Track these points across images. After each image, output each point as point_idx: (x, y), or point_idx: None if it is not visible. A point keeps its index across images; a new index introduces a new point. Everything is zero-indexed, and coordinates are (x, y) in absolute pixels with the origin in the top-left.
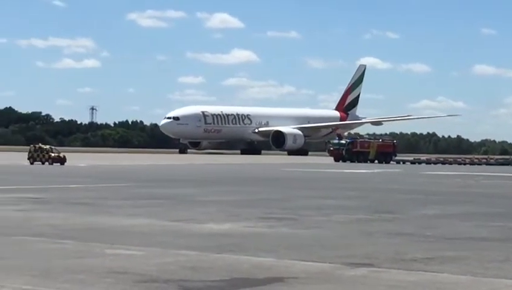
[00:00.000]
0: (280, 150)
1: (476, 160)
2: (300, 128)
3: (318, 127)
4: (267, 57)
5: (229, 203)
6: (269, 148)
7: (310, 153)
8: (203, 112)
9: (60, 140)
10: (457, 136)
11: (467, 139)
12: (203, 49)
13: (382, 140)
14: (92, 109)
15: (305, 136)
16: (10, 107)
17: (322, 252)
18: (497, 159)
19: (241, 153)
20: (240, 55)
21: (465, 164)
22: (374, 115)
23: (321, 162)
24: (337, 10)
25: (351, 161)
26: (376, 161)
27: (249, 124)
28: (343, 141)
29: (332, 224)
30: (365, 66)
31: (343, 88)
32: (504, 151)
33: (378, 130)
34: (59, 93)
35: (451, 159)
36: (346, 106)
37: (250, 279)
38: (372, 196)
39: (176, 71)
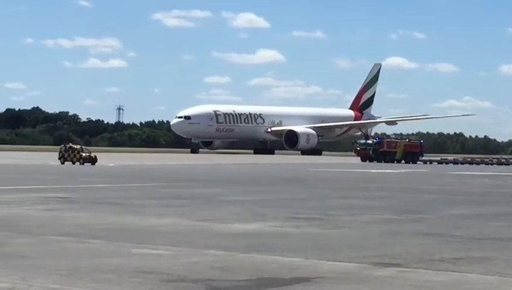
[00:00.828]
0: (293, 150)
1: (503, 160)
2: (313, 128)
3: (332, 126)
4: (293, 56)
5: (256, 203)
6: (282, 148)
7: (337, 153)
8: (214, 111)
9: (87, 140)
10: (485, 136)
11: (494, 139)
12: (228, 49)
13: (409, 140)
14: (119, 108)
15: (318, 135)
16: (37, 107)
17: (350, 252)
18: None
19: (254, 153)
20: (266, 55)
21: (492, 164)
22: (399, 115)
23: (348, 162)
24: (363, 10)
25: (378, 161)
26: (403, 161)
27: (262, 124)
28: (370, 141)
29: (360, 224)
30: (380, 64)
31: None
32: None
33: (405, 130)
34: (86, 93)
35: (479, 159)
36: (361, 105)
37: (278, 279)
38: (400, 196)
39: (202, 71)
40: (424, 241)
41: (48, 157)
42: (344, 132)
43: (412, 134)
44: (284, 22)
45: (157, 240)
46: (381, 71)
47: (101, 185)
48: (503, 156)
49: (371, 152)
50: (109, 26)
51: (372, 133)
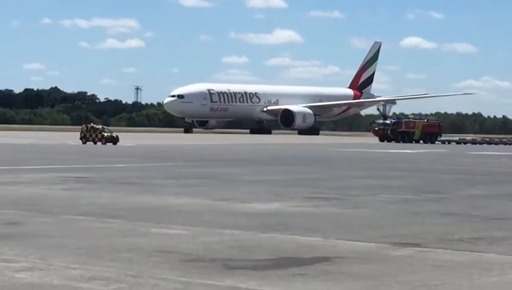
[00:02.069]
0: (289, 129)
1: None
2: (310, 107)
3: (329, 105)
4: (310, 37)
5: (275, 183)
6: (278, 128)
7: (355, 133)
8: (208, 90)
9: (105, 120)
10: (503, 116)
11: None
12: (246, 29)
13: (427, 120)
14: (137, 88)
15: (315, 115)
16: (56, 87)
17: (369, 232)
18: None
19: (251, 133)
20: (283, 35)
21: (510, 144)
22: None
23: (366, 142)
24: None
25: (396, 141)
26: (421, 141)
27: (258, 103)
28: (388, 121)
29: (379, 204)
30: (380, 43)
31: (388, 68)
32: None
33: (423, 110)
34: (103, 73)
35: (497, 140)
36: (361, 84)
37: (297, 258)
38: (418, 176)
39: (219, 51)
40: (443, 221)
41: (66, 138)
42: (343, 111)
43: (431, 114)
44: (301, 1)
45: (176, 220)
46: (397, 51)
47: (119, 165)
48: None
49: (389, 132)
50: (126, 7)
51: (391, 114)
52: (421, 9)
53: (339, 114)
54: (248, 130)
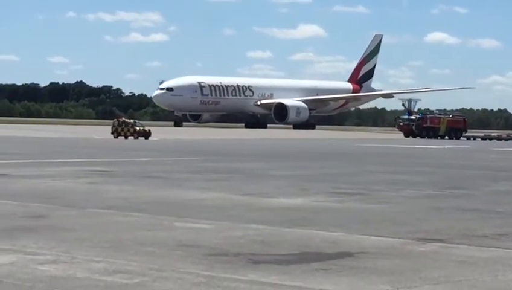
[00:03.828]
0: (283, 124)
1: None
2: (305, 101)
3: (325, 99)
4: (335, 32)
5: (299, 178)
6: (272, 122)
7: (377, 128)
8: (199, 83)
9: (130, 114)
10: None
11: None
12: (270, 23)
13: (452, 116)
14: (161, 83)
15: (310, 109)
16: (81, 81)
17: (392, 228)
18: None
19: (246, 127)
20: (307, 30)
21: None
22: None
23: (391, 138)
24: None
25: (421, 137)
26: (446, 137)
27: (251, 96)
28: (413, 117)
29: (403, 199)
30: (382, 35)
31: (412, 63)
32: None
33: (448, 106)
34: (128, 67)
35: None
36: (360, 77)
37: (320, 253)
38: (443, 171)
39: (244, 46)
40: (467, 217)
41: (91, 131)
42: (341, 106)
43: (456, 110)
44: None
45: (200, 214)
46: (422, 46)
47: (143, 159)
48: None
49: (414, 128)
50: (150, 0)
51: (416, 109)
52: (445, 5)
53: (337, 108)
54: (242, 125)
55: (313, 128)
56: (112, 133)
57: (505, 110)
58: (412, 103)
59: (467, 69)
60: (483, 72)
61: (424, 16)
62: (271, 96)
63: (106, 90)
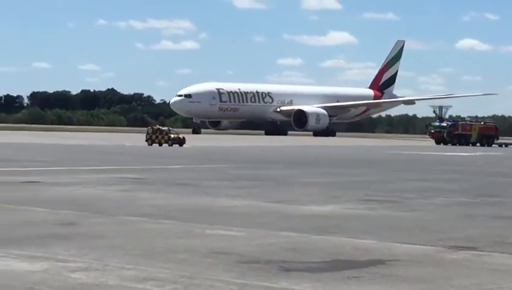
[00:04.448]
0: (302, 131)
1: None
2: (325, 108)
3: (345, 106)
4: (365, 38)
5: (329, 185)
6: (292, 129)
7: (409, 135)
8: (218, 89)
9: (161, 121)
10: None
11: None
12: (300, 30)
13: (484, 123)
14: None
15: (330, 116)
16: (112, 88)
17: (424, 235)
18: None
19: (266, 134)
20: (337, 37)
21: None
22: (472, 98)
23: (422, 145)
24: None
25: (452, 144)
26: (478, 144)
27: (270, 103)
28: (444, 124)
29: (434, 207)
30: (404, 41)
31: (443, 70)
32: None
33: (480, 113)
34: (159, 74)
35: None
36: (382, 84)
37: (352, 261)
38: (474, 179)
39: (274, 53)
40: (499, 225)
41: (122, 139)
42: (362, 112)
43: (487, 117)
44: (355, 3)
45: (231, 221)
46: (453, 53)
47: (175, 166)
48: None
49: (445, 135)
50: (181, 8)
51: (447, 116)
52: (476, 12)
53: (358, 115)
54: (262, 132)
55: (334, 135)
56: (146, 140)
57: None
58: (443, 109)
59: (498, 76)
60: None
61: (455, 23)
62: (291, 103)
63: (137, 98)
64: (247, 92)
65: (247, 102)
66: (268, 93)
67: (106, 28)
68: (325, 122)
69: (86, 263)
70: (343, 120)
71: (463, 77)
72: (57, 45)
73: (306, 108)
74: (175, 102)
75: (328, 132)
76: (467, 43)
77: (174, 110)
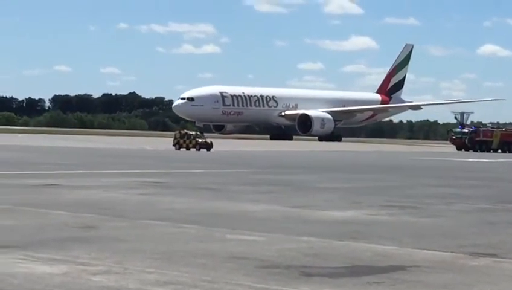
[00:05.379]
0: (307, 135)
1: None
2: (330, 112)
3: (351, 110)
4: (386, 43)
5: (350, 190)
6: (296, 133)
7: (430, 141)
8: (221, 93)
9: (182, 125)
10: None
11: None
12: (321, 35)
13: (505, 129)
14: None
15: (336, 120)
16: (134, 92)
17: (444, 241)
18: None
19: (271, 138)
20: (358, 41)
21: None
22: (495, 103)
23: (444, 151)
24: None
25: (474, 150)
26: (499, 151)
27: (275, 107)
28: (465, 130)
29: (455, 213)
30: (412, 45)
31: (465, 76)
32: None
33: (502, 119)
34: (180, 78)
35: None
36: (390, 88)
37: (372, 266)
38: (496, 185)
39: (295, 57)
40: None
41: (144, 143)
42: (370, 117)
43: (509, 123)
44: (377, 8)
45: (252, 226)
46: (474, 58)
47: (196, 171)
48: None
49: (466, 141)
50: (202, 12)
51: (468, 122)
52: (498, 17)
53: (365, 120)
54: (267, 136)
55: (339, 140)
56: (174, 145)
57: None
58: (465, 115)
59: None
60: None
61: (476, 28)
62: (296, 107)
63: (159, 102)
64: (251, 96)
65: (251, 106)
66: (272, 97)
67: (127, 32)
68: (330, 126)
69: (106, 266)
70: (350, 125)
71: (484, 83)
72: (78, 48)
73: (310, 112)
74: (177, 105)
75: (333, 136)
76: (488, 48)
77: (177, 114)
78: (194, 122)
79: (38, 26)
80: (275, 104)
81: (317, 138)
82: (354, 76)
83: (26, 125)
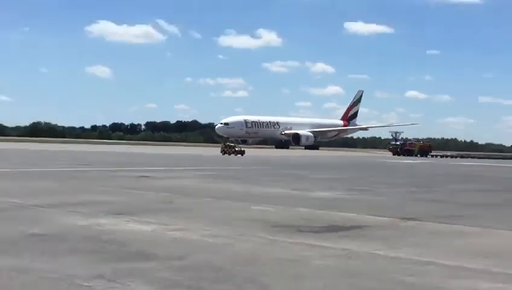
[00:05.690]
0: (298, 146)
1: (483, 155)
2: (312, 132)
3: (324, 131)
4: (349, 90)
5: (327, 180)
6: (291, 145)
7: (376, 150)
8: (245, 120)
9: (225, 139)
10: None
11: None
12: (310, 85)
13: (422, 142)
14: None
15: (315, 136)
16: (195, 120)
17: (385, 211)
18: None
19: (276, 148)
20: (332, 89)
21: (478, 158)
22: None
23: (384, 155)
24: None
25: (403, 155)
26: (418, 155)
27: (278, 128)
28: (398, 143)
29: (393, 193)
30: (363, 91)
31: (397, 110)
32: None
33: (420, 136)
34: (223, 111)
35: (466, 154)
36: (349, 117)
37: (341, 226)
38: (417, 176)
39: (293, 99)
40: (434, 205)
41: (201, 151)
42: (336, 135)
43: (425, 138)
44: (344, 68)
45: (267, 201)
46: (402, 99)
47: (234, 168)
48: (487, 153)
49: (398, 149)
50: (237, 71)
51: (400, 137)
52: (419, 74)
53: (333, 136)
54: (273, 146)
55: (318, 149)
56: (221, 152)
57: (455, 139)
58: (397, 134)
59: (431, 114)
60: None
61: (404, 81)
62: (291, 129)
63: (212, 125)
64: (264, 122)
65: (263, 128)
66: (277, 122)
67: (192, 83)
68: (311, 140)
69: (178, 225)
70: (324, 139)
71: (409, 114)
72: (161, 93)
73: (300, 132)
74: (218, 128)
75: (314, 146)
76: (411, 93)
77: (218, 133)
78: (228, 138)
79: (133, 72)
80: (278, 127)
81: (304, 147)
82: (329, 110)
83: (130, 140)
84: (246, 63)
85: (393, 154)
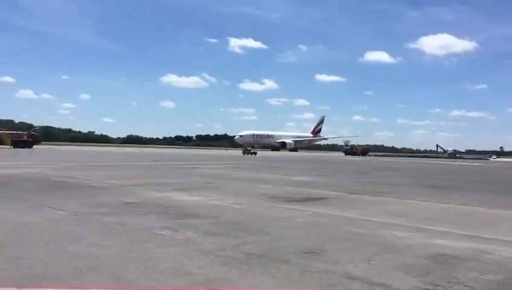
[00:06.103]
0: (284, 150)
1: (401, 155)
2: (293, 141)
3: (300, 140)
4: (318, 115)
5: (304, 169)
6: (280, 149)
7: (335, 151)
8: (252, 133)
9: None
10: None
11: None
12: (293, 113)
13: (363, 147)
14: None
15: (295, 143)
16: (226, 133)
17: (339, 188)
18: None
19: (271, 151)
20: (308, 116)
21: (398, 157)
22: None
23: (340, 155)
24: None
25: (351, 155)
26: (360, 155)
27: (273, 138)
28: (348, 147)
29: (343, 178)
30: (324, 116)
31: (347, 128)
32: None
33: (362, 142)
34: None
35: (389, 154)
36: (316, 131)
37: (314, 198)
38: (359, 167)
39: (284, 121)
40: (369, 185)
41: (228, 152)
42: (308, 143)
43: (364, 144)
44: (315, 101)
45: (268, 182)
46: (350, 122)
47: (249, 162)
48: (403, 153)
49: (349, 151)
50: (248, 102)
51: (350, 144)
52: (365, 106)
53: (307, 143)
54: (269, 149)
55: (297, 151)
56: (242, 153)
57: (382, 145)
58: (347, 142)
59: (372, 128)
60: (375, 130)
61: (350, 110)
62: (280, 138)
63: (234, 137)
64: (264, 134)
65: (264, 138)
66: (272, 135)
67: (224, 112)
68: (293, 146)
69: (215, 197)
70: (302, 145)
71: (354, 130)
72: (205, 117)
73: (286, 141)
74: (236, 138)
75: (295, 150)
76: (357, 118)
77: (236, 141)
78: (242, 145)
79: (198, 101)
80: (273, 138)
81: (288, 150)
82: (306, 128)
83: (185, 146)
84: (256, 100)
85: (345, 154)
